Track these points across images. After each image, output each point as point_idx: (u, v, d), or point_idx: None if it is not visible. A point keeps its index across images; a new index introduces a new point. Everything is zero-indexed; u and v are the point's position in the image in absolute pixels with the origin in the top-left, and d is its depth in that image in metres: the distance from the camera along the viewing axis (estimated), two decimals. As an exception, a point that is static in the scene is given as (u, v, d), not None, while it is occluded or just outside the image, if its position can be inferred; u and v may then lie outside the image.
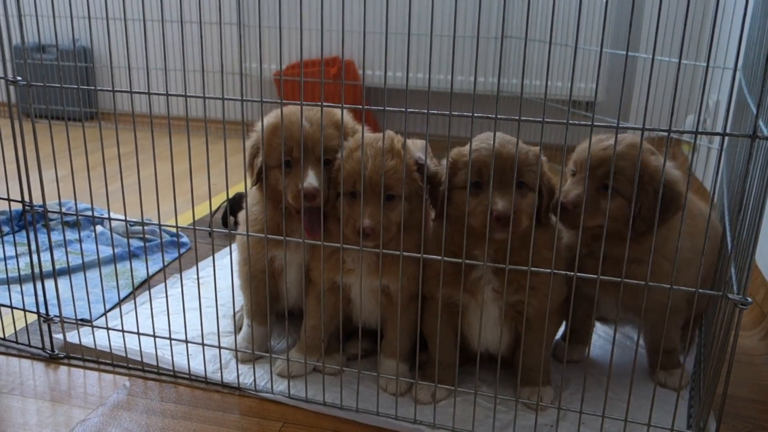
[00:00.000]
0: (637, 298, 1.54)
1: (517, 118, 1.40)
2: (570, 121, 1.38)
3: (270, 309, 1.84)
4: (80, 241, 2.01)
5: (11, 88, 1.71)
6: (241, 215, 1.88)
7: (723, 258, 1.66)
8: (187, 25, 4.27)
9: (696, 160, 3.29)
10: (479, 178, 1.55)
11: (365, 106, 1.49)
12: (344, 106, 1.55)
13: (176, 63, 4.21)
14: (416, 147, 1.69)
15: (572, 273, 1.47)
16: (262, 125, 1.71)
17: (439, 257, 1.55)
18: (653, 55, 1.30)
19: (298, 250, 1.78)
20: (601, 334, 2.12)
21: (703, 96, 1.34)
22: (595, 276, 1.48)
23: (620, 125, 1.37)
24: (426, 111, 1.44)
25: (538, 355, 1.72)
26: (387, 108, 1.45)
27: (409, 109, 1.45)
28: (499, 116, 1.40)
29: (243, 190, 1.82)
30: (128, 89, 1.63)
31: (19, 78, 1.70)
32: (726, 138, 1.35)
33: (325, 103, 1.53)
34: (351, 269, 1.72)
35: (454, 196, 1.60)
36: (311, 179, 1.64)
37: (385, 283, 1.71)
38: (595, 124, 1.41)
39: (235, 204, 2.63)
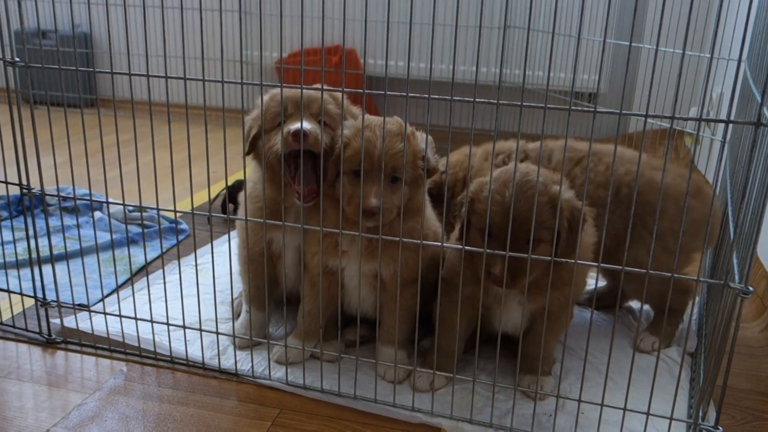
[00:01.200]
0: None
1: (519, 103, 1.39)
2: (572, 108, 1.37)
3: (269, 295, 1.83)
4: (78, 226, 2.00)
5: (10, 71, 1.70)
6: (241, 196, 1.87)
7: (725, 247, 1.65)
8: (188, 12, 4.24)
9: (699, 152, 3.28)
10: (491, 229, 1.52)
11: (366, 91, 1.48)
12: (345, 90, 1.53)
13: (176, 50, 4.18)
14: (420, 139, 1.67)
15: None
16: (262, 99, 1.69)
17: (446, 244, 1.55)
18: (656, 46, 1.29)
19: (296, 232, 1.77)
20: (600, 323, 2.11)
21: (706, 87, 1.33)
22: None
23: (623, 113, 1.36)
24: (427, 96, 1.42)
25: (548, 343, 1.73)
26: (388, 93, 1.43)
27: (410, 94, 1.43)
28: (501, 102, 1.39)
29: (242, 178, 1.82)
30: (127, 72, 1.61)
31: (17, 59, 1.69)
32: (730, 127, 1.33)
33: (325, 87, 1.51)
34: (345, 251, 1.70)
35: (471, 231, 1.60)
36: (306, 125, 1.59)
37: (377, 268, 1.70)
38: (597, 110, 1.39)
39: (234, 191, 2.62)
